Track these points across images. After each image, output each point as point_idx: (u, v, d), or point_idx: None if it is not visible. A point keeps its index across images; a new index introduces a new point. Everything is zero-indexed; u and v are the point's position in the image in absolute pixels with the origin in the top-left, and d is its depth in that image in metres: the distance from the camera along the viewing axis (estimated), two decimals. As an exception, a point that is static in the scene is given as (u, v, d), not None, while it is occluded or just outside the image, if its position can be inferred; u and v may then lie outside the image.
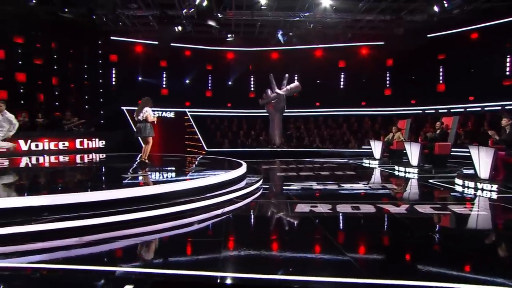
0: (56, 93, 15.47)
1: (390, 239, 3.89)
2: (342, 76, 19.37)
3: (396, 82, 18.25)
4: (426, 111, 16.88)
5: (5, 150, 7.15)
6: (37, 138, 11.73)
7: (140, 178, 6.48)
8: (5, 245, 3.48)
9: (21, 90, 14.51)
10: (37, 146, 11.62)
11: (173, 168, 8.28)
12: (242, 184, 6.44)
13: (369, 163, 11.72)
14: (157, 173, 7.25)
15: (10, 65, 14.24)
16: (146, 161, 7.95)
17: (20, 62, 14.47)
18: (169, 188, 4.85)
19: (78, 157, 11.15)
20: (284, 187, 7.07)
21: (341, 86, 19.37)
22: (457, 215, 4.66)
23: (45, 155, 11.19)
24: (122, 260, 3.34)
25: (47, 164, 9.19)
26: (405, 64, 17.03)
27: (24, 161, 9.89)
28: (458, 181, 6.95)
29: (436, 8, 12.02)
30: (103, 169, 8.37)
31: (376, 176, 9.32)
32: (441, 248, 3.56)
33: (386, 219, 4.56)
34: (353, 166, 11.49)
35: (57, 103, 15.26)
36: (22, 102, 14.21)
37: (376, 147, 12.21)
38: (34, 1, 11.66)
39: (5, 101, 7.15)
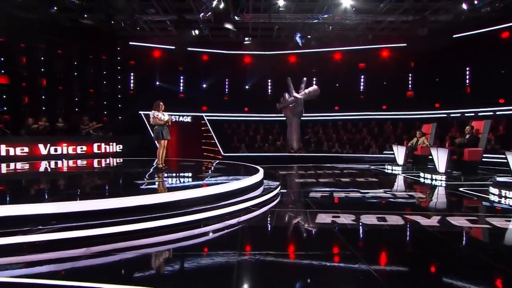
0: (76, 98, 15.69)
1: (426, 257, 3.46)
2: (362, 79, 18.84)
3: (419, 84, 17.57)
4: (451, 115, 16.11)
5: None
6: (56, 142, 11.84)
7: (153, 185, 6.28)
8: (10, 255, 3.32)
9: (43, 96, 14.80)
10: (56, 150, 11.73)
11: (188, 174, 8.07)
12: (259, 191, 6.14)
13: (392, 169, 11.18)
14: (171, 179, 7.05)
15: (32, 71, 14.56)
16: (160, 165, 7.81)
17: (42, 70, 14.78)
18: (181, 196, 4.61)
19: (94, 161, 11.15)
20: (303, 195, 6.73)
21: (361, 90, 18.84)
22: (497, 229, 4.19)
23: (63, 159, 11.26)
24: (128, 275, 3.10)
25: (63, 169, 9.15)
26: (429, 66, 16.35)
27: (41, 165, 9.93)
28: (494, 190, 6.41)
29: (464, 6, 11.39)
30: (117, 175, 8.23)
31: (401, 183, 8.82)
32: (482, 267, 3.13)
33: (417, 232, 4.14)
34: (375, 172, 10.99)
35: (76, 109, 15.47)
36: (43, 108, 14.50)
37: (399, 152, 11.65)
38: (55, 8, 11.83)
39: None
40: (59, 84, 15.24)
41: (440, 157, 8.59)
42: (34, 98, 14.50)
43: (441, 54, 15.03)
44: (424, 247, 3.69)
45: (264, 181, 7.15)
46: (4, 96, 13.93)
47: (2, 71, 13.95)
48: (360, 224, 4.39)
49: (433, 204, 6.23)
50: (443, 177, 8.35)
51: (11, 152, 11.06)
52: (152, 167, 8.41)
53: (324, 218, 4.71)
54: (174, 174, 7.89)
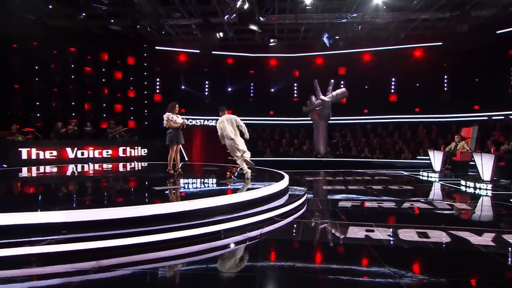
0: (104, 104, 15.97)
1: None
2: (393, 80, 17.98)
3: (456, 85, 16.49)
4: (493, 117, 14.93)
5: None
6: (83, 146, 11.98)
7: (173, 191, 5.99)
8: (15, 268, 3.11)
9: (73, 103, 15.18)
10: (82, 154, 11.87)
11: (209, 180, 7.78)
12: (284, 199, 5.72)
13: (428, 176, 10.38)
14: (192, 186, 6.77)
15: (63, 77, 14.98)
16: (171, 171, 7.56)
17: (72, 76, 15.17)
18: (200, 204, 4.28)
19: (118, 165, 11.13)
20: (332, 204, 6.24)
21: (392, 92, 17.98)
22: None
23: (89, 163, 11.36)
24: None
25: (86, 173, 9.10)
26: (467, 65, 15.27)
27: (63, 169, 9.96)
28: (553, 202, 5.63)
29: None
30: (137, 180, 8.00)
31: (440, 192, 8.08)
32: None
33: (469, 253, 3.52)
34: (409, 179, 10.25)
35: (104, 115, 15.73)
36: (73, 114, 14.84)
37: (436, 158, 10.82)
38: (83, 14, 12.05)
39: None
40: (88, 89, 15.59)
41: (485, 164, 7.80)
42: (65, 103, 14.89)
43: (482, 52, 13.93)
44: (483, 275, 3.10)
45: (290, 187, 6.73)
46: (38, 103, 14.37)
47: (37, 79, 14.42)
48: (399, 240, 3.87)
49: (482, 218, 5.52)
50: (489, 186, 7.55)
51: (41, 156, 11.29)
52: (175, 172, 8.16)
53: (356, 231, 4.22)
54: (195, 180, 7.62)
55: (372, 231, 4.24)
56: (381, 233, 4.13)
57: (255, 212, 4.59)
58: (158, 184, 6.49)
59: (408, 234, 4.08)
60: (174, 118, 7.38)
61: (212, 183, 7.11)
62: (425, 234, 4.07)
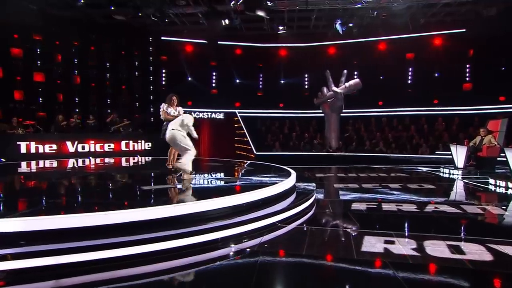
0: (108, 99, 15.53)
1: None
2: (410, 71, 16.97)
3: (479, 75, 15.36)
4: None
5: None
6: (84, 140, 11.54)
7: (162, 192, 5.36)
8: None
9: (76, 94, 14.78)
10: (83, 148, 11.44)
11: (206, 178, 7.17)
12: (289, 200, 5.06)
13: (450, 173, 9.54)
14: (182, 186, 6.14)
15: (66, 68, 14.58)
16: (170, 166, 7.02)
17: (76, 67, 14.74)
18: (186, 209, 3.65)
19: (117, 160, 10.62)
20: (344, 206, 5.55)
21: (409, 82, 16.98)
22: None
23: (90, 157, 10.91)
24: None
25: (75, 169, 8.53)
26: (493, 53, 14.18)
27: (59, 163, 9.50)
28: None
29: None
30: (127, 178, 7.24)
31: (467, 192, 7.27)
32: None
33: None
34: (429, 176, 9.43)
35: (109, 110, 15.29)
36: (77, 108, 14.45)
37: (459, 153, 9.94)
38: (81, 1, 11.52)
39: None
40: (91, 81, 15.16)
41: (518, 161, 6.95)
42: (68, 95, 14.51)
43: (508, 38, 12.82)
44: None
45: (297, 185, 6.07)
46: (41, 99, 13.99)
47: (39, 71, 14.02)
48: (427, 257, 3.16)
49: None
50: (523, 186, 6.71)
51: (40, 150, 10.91)
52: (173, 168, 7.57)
53: (373, 243, 3.53)
54: (192, 179, 7.00)
55: (392, 242, 3.55)
56: (403, 246, 3.43)
57: (253, 219, 3.94)
58: (150, 183, 5.91)
59: (437, 248, 3.37)
60: (169, 110, 6.85)
61: (212, 182, 6.50)
62: (458, 249, 3.34)
